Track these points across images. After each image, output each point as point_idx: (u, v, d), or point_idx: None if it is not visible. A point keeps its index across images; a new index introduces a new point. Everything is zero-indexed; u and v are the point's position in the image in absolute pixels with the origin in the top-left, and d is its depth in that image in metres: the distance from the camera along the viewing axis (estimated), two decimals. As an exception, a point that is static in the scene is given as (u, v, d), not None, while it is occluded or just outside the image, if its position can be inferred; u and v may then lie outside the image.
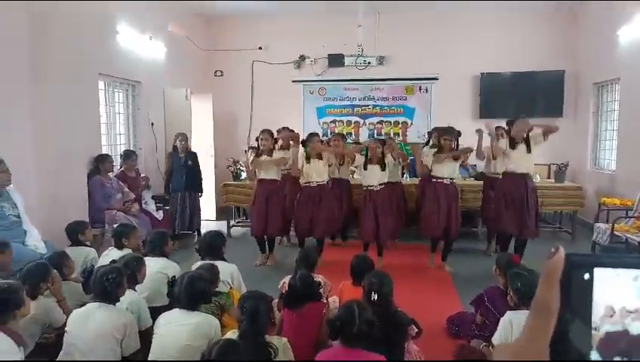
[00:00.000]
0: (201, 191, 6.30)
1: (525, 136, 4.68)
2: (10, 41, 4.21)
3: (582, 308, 0.45)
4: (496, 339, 2.52)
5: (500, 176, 4.96)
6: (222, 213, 7.15)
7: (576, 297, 0.45)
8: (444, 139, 4.90)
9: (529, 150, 4.68)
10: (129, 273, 2.88)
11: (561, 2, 7.24)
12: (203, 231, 5.96)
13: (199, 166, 6.26)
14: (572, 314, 0.45)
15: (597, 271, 0.45)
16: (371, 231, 4.96)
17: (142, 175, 5.88)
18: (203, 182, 6.36)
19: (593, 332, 0.44)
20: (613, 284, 0.44)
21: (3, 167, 3.69)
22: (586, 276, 0.45)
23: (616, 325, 0.44)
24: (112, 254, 3.58)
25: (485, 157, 5.33)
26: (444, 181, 4.90)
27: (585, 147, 7.20)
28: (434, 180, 4.96)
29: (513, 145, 4.71)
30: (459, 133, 4.98)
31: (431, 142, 5.55)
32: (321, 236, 5.18)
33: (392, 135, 7.81)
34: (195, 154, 6.24)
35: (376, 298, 2.57)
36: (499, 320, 2.69)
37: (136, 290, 2.99)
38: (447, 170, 4.91)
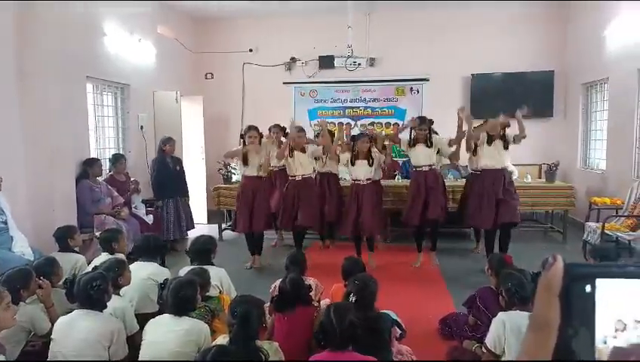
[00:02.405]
0: (188, 196, 6.34)
1: (502, 132, 4.83)
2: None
3: (584, 323, 0.42)
4: (489, 340, 2.50)
5: (479, 172, 5.01)
6: (213, 216, 7.10)
7: (578, 311, 0.42)
8: (418, 130, 5.00)
9: (505, 146, 4.82)
10: (112, 276, 2.83)
11: (549, 2, 7.29)
12: (192, 234, 5.96)
13: (184, 170, 6.31)
14: (574, 330, 0.42)
15: (600, 282, 0.42)
16: (353, 224, 4.99)
17: (131, 179, 5.81)
18: (189, 185, 6.44)
19: (601, 346, 0.41)
20: (622, 295, 0.42)
21: None
22: (588, 288, 0.42)
23: (630, 339, 0.41)
24: (101, 259, 3.53)
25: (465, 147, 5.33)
26: (423, 168, 5.03)
27: (575, 147, 7.24)
28: (414, 170, 5.15)
29: (490, 140, 4.85)
30: (431, 122, 5.05)
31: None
32: (301, 224, 5.17)
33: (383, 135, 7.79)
34: (180, 159, 6.27)
35: (354, 300, 2.56)
36: (491, 321, 2.68)
37: (121, 295, 2.94)
38: (423, 158, 5.03)
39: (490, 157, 4.86)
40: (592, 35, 6.54)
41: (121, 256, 3.55)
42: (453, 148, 5.05)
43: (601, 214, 5.52)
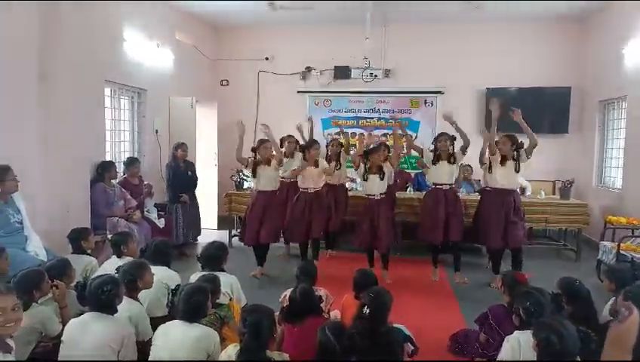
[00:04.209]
0: (196, 199, 6.43)
1: (515, 154, 4.79)
2: (18, 48, 4.22)
3: None
4: (503, 358, 2.46)
5: (490, 190, 4.98)
6: (223, 222, 7.12)
7: None
8: (439, 140, 4.99)
9: (517, 169, 4.78)
10: (130, 279, 2.87)
11: (569, 15, 7.27)
12: (202, 239, 5.99)
13: (196, 175, 6.39)
14: None
15: None
16: (368, 237, 4.97)
17: (144, 182, 5.86)
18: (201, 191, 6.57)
19: None
20: None
21: (11, 175, 3.74)
22: None
23: None
24: (111, 262, 3.55)
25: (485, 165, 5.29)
26: (443, 187, 4.99)
27: (590, 164, 7.15)
28: (433, 187, 5.09)
29: (504, 161, 4.82)
30: (453, 138, 4.99)
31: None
32: (315, 237, 5.24)
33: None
34: (192, 163, 6.32)
35: (367, 312, 2.54)
36: (503, 339, 2.63)
37: (138, 300, 2.95)
38: (445, 176, 4.98)
39: (503, 177, 4.83)
40: (610, 52, 6.49)
41: (129, 258, 3.56)
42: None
43: (616, 234, 5.43)
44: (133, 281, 2.88)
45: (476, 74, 7.60)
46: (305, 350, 2.69)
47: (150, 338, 2.69)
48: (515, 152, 4.79)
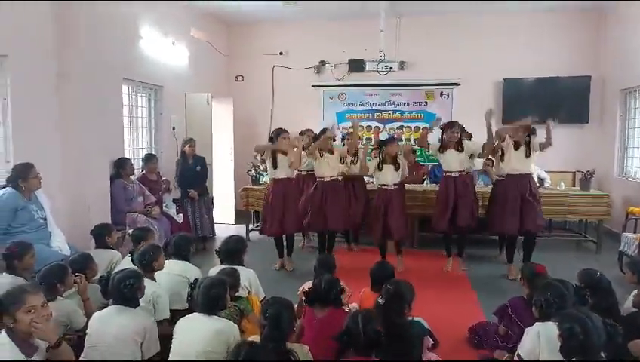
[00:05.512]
0: (207, 195, 6.46)
1: (527, 139, 4.76)
2: (36, 47, 4.31)
3: None
4: (523, 350, 2.44)
5: (504, 178, 4.93)
6: (240, 216, 7.18)
7: None
8: (450, 133, 4.94)
9: (528, 153, 4.76)
10: (147, 260, 3.07)
11: (588, 3, 7.11)
12: (220, 234, 6.03)
13: (207, 170, 6.41)
14: None
15: None
16: (380, 230, 4.99)
17: (163, 178, 5.93)
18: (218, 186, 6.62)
19: None
20: None
21: (34, 172, 3.82)
22: None
23: None
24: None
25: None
26: (452, 174, 4.98)
27: (611, 155, 7.01)
28: (445, 175, 5.09)
29: (517, 146, 4.80)
30: (461, 127, 5.02)
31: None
32: (333, 228, 5.23)
33: (411, 140, 7.78)
34: (203, 158, 6.33)
35: (382, 303, 2.56)
36: (523, 331, 2.62)
37: (155, 280, 3.10)
38: (454, 164, 4.97)
39: (517, 162, 4.80)
40: (632, 40, 6.35)
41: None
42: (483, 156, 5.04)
43: (638, 225, 5.33)
44: (150, 263, 3.09)
45: (493, 65, 7.50)
46: (323, 341, 2.70)
47: (166, 323, 2.78)
48: (527, 137, 4.77)
